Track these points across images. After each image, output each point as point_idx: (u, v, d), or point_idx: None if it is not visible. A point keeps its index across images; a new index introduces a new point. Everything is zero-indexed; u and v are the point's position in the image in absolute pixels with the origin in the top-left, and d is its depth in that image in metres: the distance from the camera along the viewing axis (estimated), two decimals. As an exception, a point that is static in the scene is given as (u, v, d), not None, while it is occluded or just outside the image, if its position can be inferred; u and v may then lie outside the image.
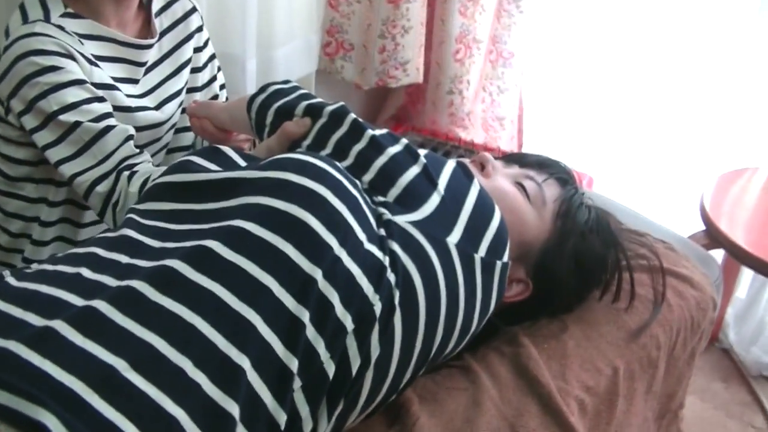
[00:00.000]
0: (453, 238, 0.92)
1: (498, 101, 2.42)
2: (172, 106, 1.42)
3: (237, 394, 0.73)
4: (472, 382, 1.04)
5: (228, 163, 0.97)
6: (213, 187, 0.90)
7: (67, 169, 1.23)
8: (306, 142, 1.01)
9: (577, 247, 1.11)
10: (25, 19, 1.23)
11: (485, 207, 0.97)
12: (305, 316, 0.78)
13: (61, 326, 0.72)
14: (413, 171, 0.94)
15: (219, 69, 1.56)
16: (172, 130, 1.46)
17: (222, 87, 1.57)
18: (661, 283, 1.18)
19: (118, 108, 1.29)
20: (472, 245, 0.93)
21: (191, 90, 1.48)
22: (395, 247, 0.86)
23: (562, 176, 1.17)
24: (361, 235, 0.84)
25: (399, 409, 0.98)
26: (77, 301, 0.75)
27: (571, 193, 1.15)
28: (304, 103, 1.05)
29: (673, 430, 1.25)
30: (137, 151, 1.27)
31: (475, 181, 0.99)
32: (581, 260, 1.11)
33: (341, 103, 1.04)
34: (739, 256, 1.85)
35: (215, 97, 1.56)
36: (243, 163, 0.98)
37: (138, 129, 1.33)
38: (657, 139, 2.37)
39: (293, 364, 0.77)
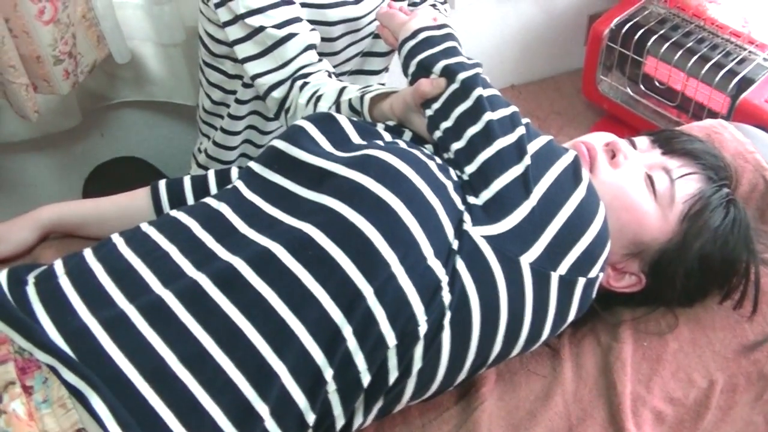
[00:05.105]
0: (530, 256, 0.92)
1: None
2: (371, 2, 1.44)
3: (269, 396, 0.83)
4: (554, 370, 1.08)
5: (340, 138, 1.03)
6: (308, 172, 0.97)
7: (250, 68, 1.33)
8: (436, 105, 1.04)
9: (705, 250, 1.05)
10: None
11: (581, 219, 0.95)
12: (348, 330, 0.85)
13: (133, 314, 0.86)
14: (512, 173, 0.94)
15: None
16: (373, 25, 1.48)
17: (443, 1, 1.55)
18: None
19: (308, 5, 1.35)
20: (551, 263, 0.93)
21: None
22: (459, 265, 0.89)
23: (709, 173, 1.09)
24: (427, 251, 0.88)
25: (471, 386, 1.05)
26: (156, 285, 0.89)
27: (712, 191, 1.07)
28: (444, 62, 1.05)
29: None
30: (316, 59, 1.33)
31: (582, 185, 0.96)
32: (706, 265, 1.06)
33: (478, 68, 1.04)
34: None
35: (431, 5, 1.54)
36: (356, 139, 1.03)
37: (332, 23, 1.39)
38: None
39: (328, 373, 0.85)
